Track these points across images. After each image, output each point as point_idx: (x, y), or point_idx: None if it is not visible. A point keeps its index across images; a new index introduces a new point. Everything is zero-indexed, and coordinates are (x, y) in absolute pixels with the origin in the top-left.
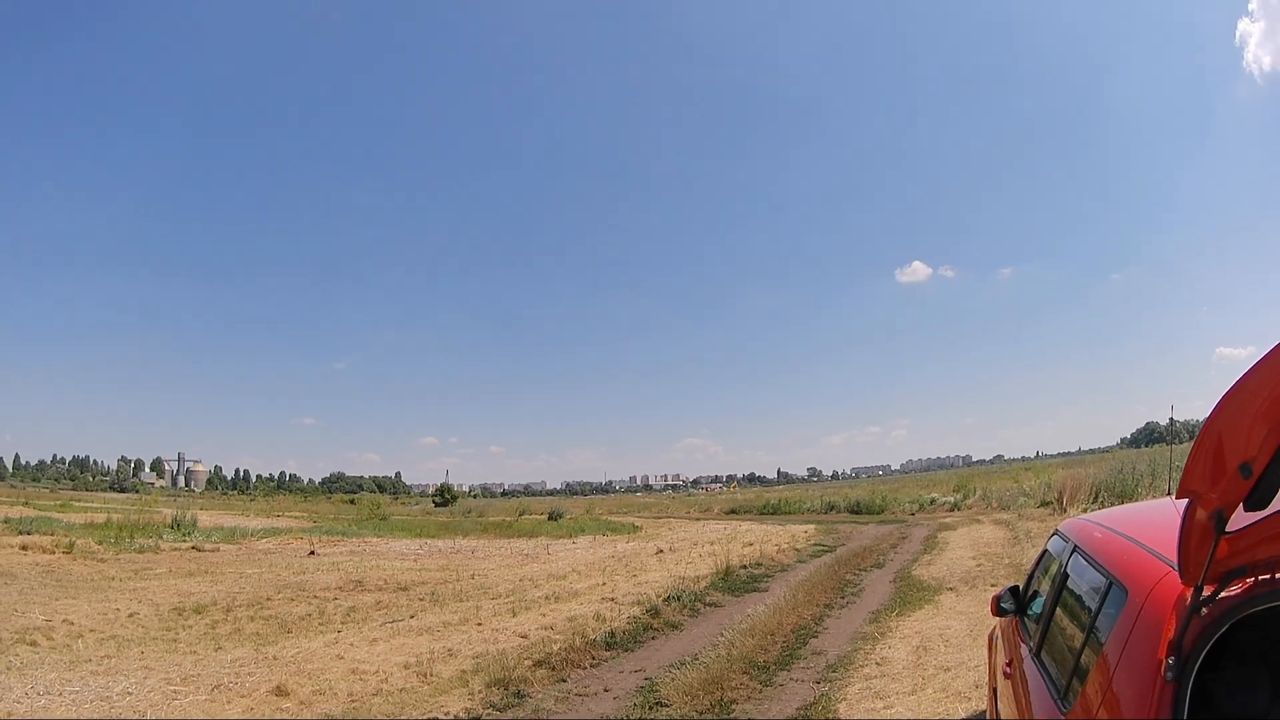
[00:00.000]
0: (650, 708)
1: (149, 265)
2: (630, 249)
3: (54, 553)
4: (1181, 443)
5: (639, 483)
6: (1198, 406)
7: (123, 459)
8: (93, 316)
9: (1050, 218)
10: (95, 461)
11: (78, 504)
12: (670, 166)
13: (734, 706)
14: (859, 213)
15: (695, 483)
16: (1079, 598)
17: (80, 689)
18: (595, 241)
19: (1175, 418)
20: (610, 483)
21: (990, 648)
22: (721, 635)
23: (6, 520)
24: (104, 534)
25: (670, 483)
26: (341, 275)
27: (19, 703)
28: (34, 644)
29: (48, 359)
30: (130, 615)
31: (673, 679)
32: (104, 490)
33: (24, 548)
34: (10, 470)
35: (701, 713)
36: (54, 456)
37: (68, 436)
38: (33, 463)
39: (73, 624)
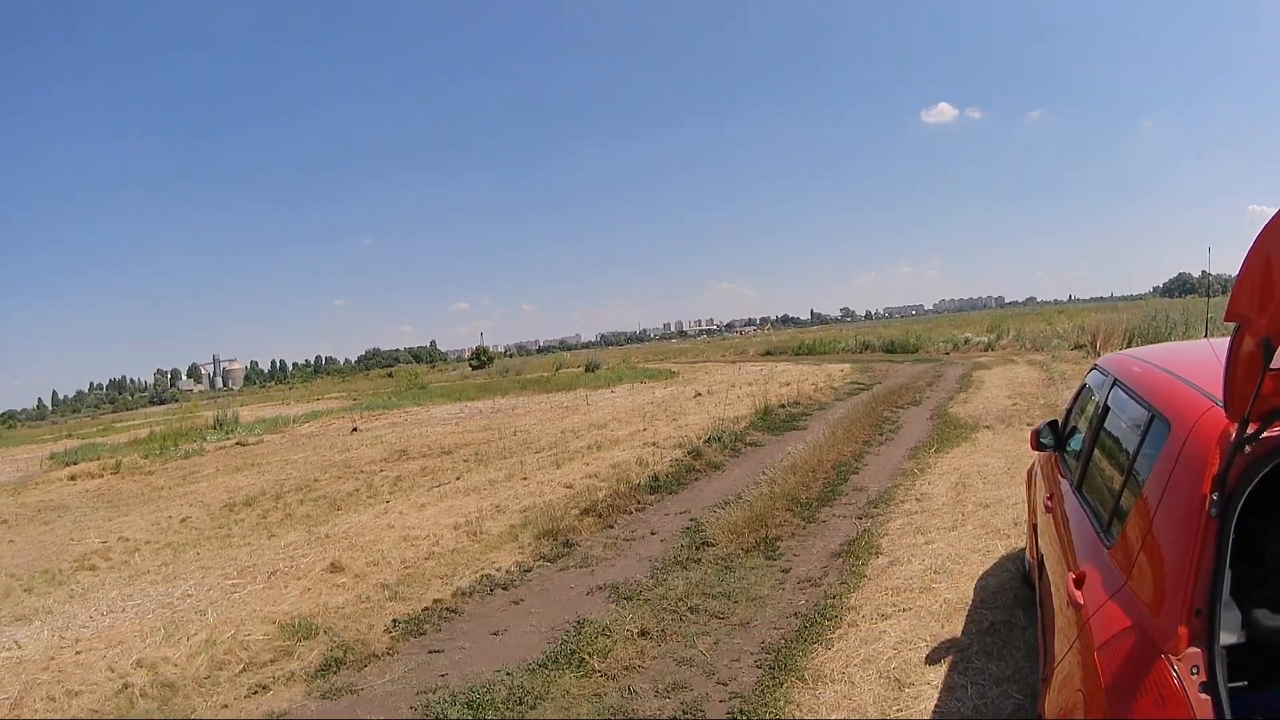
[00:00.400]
0: (697, 548)
1: (158, 168)
2: (652, 93)
3: (102, 476)
4: (1215, 295)
5: (673, 329)
6: (1229, 261)
7: (159, 371)
8: (109, 235)
9: (1080, 59)
10: (132, 380)
11: (120, 425)
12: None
13: (779, 543)
14: (882, 52)
15: (729, 326)
16: (1120, 430)
17: (141, 601)
18: (616, 88)
19: (1208, 270)
20: (644, 331)
21: (1029, 485)
22: (763, 474)
23: (53, 456)
24: (148, 447)
25: (704, 328)
26: (356, 151)
27: (85, 627)
28: (93, 568)
29: (67, 287)
30: (183, 520)
31: (717, 519)
32: (144, 406)
33: (72, 478)
34: (50, 407)
35: (748, 550)
36: (91, 384)
37: (102, 361)
38: (70, 395)
39: (128, 540)
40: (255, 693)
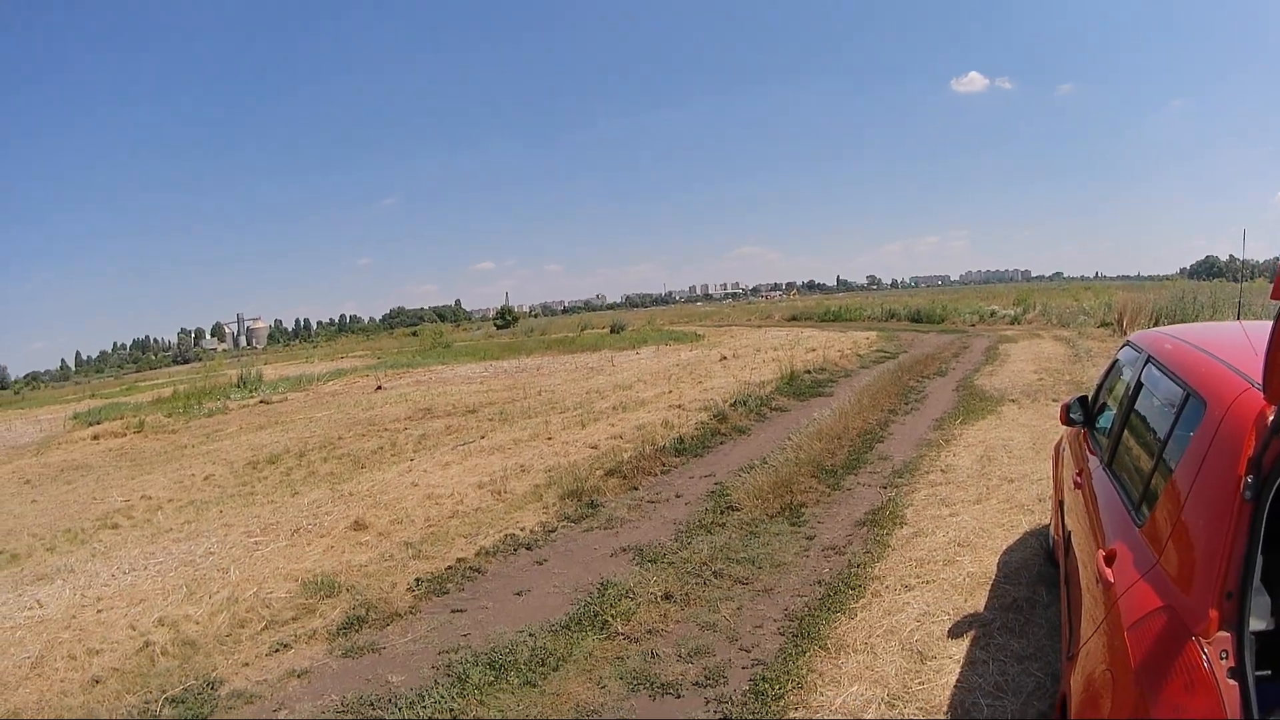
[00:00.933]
0: (722, 512)
1: (181, 130)
2: (680, 59)
3: (125, 435)
4: (1242, 280)
5: (699, 292)
6: (1256, 247)
7: (182, 331)
8: (132, 196)
9: (1112, 36)
10: (155, 340)
11: (143, 384)
12: None
13: (804, 510)
14: (913, 15)
15: (755, 291)
16: (1153, 408)
17: (164, 559)
18: (643, 54)
19: (1239, 255)
20: (670, 293)
21: (1056, 461)
22: (789, 439)
23: (76, 415)
24: (172, 406)
25: (730, 291)
26: (379, 114)
27: (106, 585)
28: (115, 526)
29: (90, 249)
30: (206, 478)
31: (743, 483)
32: (168, 366)
33: (95, 437)
34: (73, 368)
35: (772, 516)
36: (114, 344)
37: (125, 322)
38: (94, 356)
39: (151, 498)
40: (277, 650)
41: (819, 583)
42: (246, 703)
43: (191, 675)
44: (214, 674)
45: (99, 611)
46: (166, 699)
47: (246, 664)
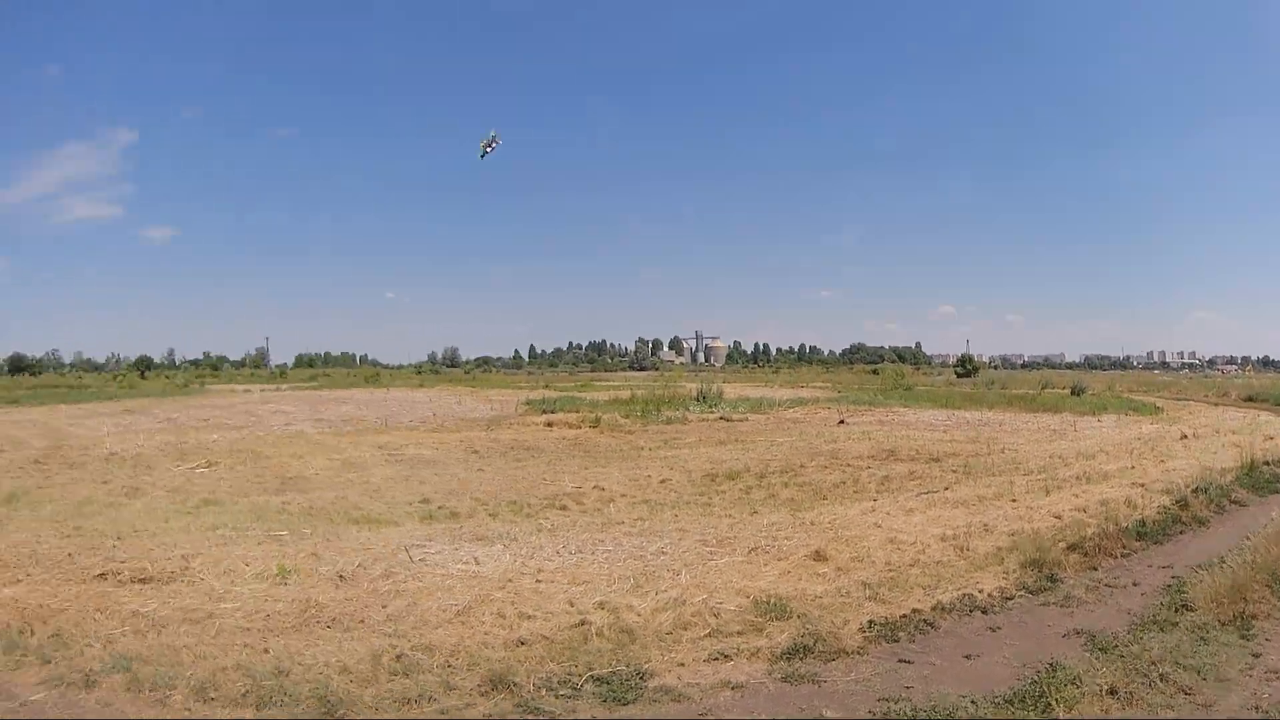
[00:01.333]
0: (1176, 610)
1: (670, 163)
2: (1129, 100)
3: (580, 427)
4: None
5: (1155, 359)
6: None
7: (640, 340)
8: (607, 212)
9: None
10: (611, 344)
11: (598, 384)
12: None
13: (1254, 622)
14: None
15: (1210, 363)
16: None
17: (613, 549)
18: (1107, 96)
19: None
20: (1128, 357)
21: None
22: (1247, 539)
23: (528, 401)
24: (629, 408)
25: (1186, 361)
26: (840, 149)
27: (549, 560)
28: (564, 508)
29: (554, 250)
30: (662, 481)
31: (1199, 581)
32: (622, 370)
33: (549, 425)
34: (526, 359)
35: (1224, 623)
36: (570, 343)
37: (580, 325)
38: (548, 350)
39: (603, 489)
40: (716, 659)
41: (1256, 708)
42: (674, 700)
43: (622, 661)
44: (646, 665)
45: (537, 582)
46: (591, 676)
47: (681, 664)
